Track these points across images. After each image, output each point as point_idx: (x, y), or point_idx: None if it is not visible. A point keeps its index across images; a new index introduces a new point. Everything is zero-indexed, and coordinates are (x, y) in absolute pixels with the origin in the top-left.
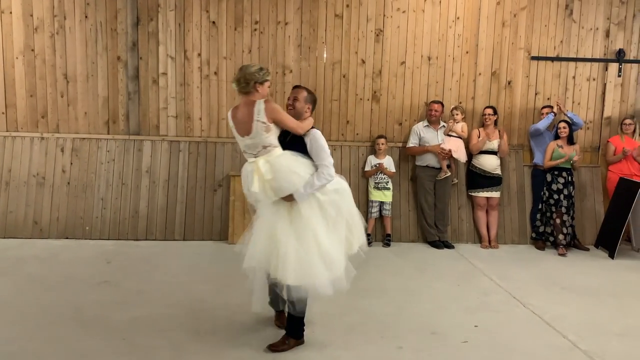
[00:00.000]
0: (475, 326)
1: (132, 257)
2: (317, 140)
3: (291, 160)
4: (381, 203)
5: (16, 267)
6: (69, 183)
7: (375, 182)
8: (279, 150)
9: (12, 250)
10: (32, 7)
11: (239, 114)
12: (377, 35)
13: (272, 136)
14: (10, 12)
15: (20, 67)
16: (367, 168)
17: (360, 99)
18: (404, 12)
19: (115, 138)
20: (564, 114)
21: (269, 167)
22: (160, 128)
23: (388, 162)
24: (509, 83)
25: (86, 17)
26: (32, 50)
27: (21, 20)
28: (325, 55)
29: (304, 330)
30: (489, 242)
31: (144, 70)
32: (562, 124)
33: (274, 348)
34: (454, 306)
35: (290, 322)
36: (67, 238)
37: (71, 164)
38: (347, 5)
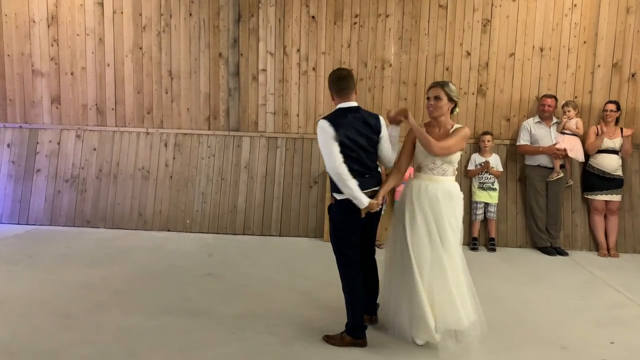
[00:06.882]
0: (612, 343)
1: (231, 251)
2: None
3: None
4: (486, 204)
5: (125, 257)
6: (171, 177)
7: (479, 182)
8: None
9: (120, 241)
10: (141, 6)
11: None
12: (485, 25)
13: None
14: (122, 12)
15: (129, 65)
16: (471, 167)
17: (465, 93)
18: (514, 0)
19: (215, 134)
20: None
21: None
22: (258, 124)
23: (495, 161)
24: (632, 75)
25: (190, 14)
26: (140, 48)
27: (131, 20)
28: (427, 48)
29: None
30: (608, 250)
31: (244, 67)
32: None
33: (326, 338)
34: (580, 319)
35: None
36: (168, 230)
37: (174, 158)
38: None
